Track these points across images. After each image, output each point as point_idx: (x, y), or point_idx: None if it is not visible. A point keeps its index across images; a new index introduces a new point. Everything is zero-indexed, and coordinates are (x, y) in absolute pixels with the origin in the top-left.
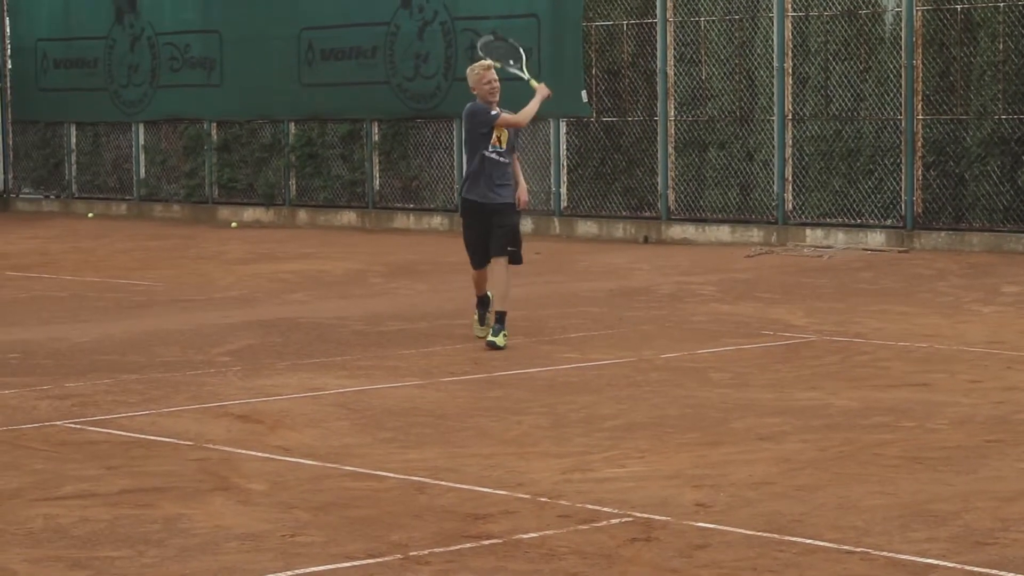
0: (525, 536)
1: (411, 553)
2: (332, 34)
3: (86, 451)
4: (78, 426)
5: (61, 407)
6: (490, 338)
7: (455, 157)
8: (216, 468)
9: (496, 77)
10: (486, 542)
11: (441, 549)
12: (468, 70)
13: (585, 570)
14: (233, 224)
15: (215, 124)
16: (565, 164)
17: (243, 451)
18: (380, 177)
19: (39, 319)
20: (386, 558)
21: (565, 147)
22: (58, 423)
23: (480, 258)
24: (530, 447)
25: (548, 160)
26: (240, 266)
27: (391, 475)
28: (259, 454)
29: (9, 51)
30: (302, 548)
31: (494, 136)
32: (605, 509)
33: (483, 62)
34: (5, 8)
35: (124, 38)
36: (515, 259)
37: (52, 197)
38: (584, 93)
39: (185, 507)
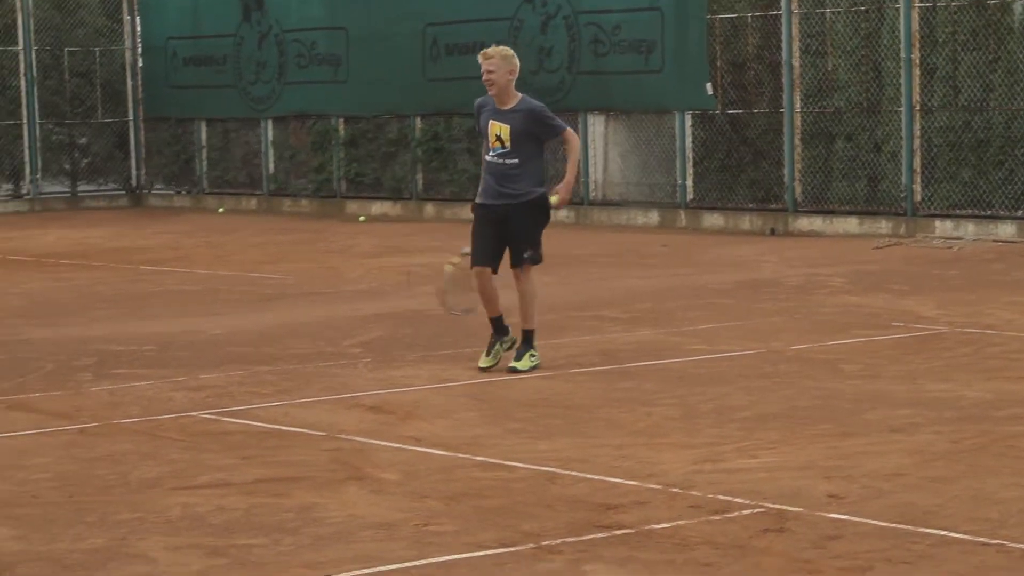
0: (657, 526)
1: (543, 543)
2: (455, 29)
3: (221, 441)
4: (213, 417)
5: (196, 398)
6: (512, 363)
7: (585, 148)
8: (349, 458)
9: (491, 67)
10: (618, 532)
11: (573, 539)
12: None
13: (717, 560)
14: (361, 218)
15: (342, 120)
16: (691, 157)
17: (375, 441)
18: None
19: (173, 312)
20: (518, 547)
21: (691, 140)
22: (194, 414)
23: (480, 256)
24: (661, 438)
25: (674, 153)
26: (369, 259)
27: (522, 465)
28: (391, 444)
29: (140, 50)
30: (435, 537)
31: (491, 136)
32: (737, 500)
33: (485, 50)
34: (136, 7)
35: (252, 36)
36: (533, 261)
37: (183, 193)
38: (708, 86)
39: (319, 496)
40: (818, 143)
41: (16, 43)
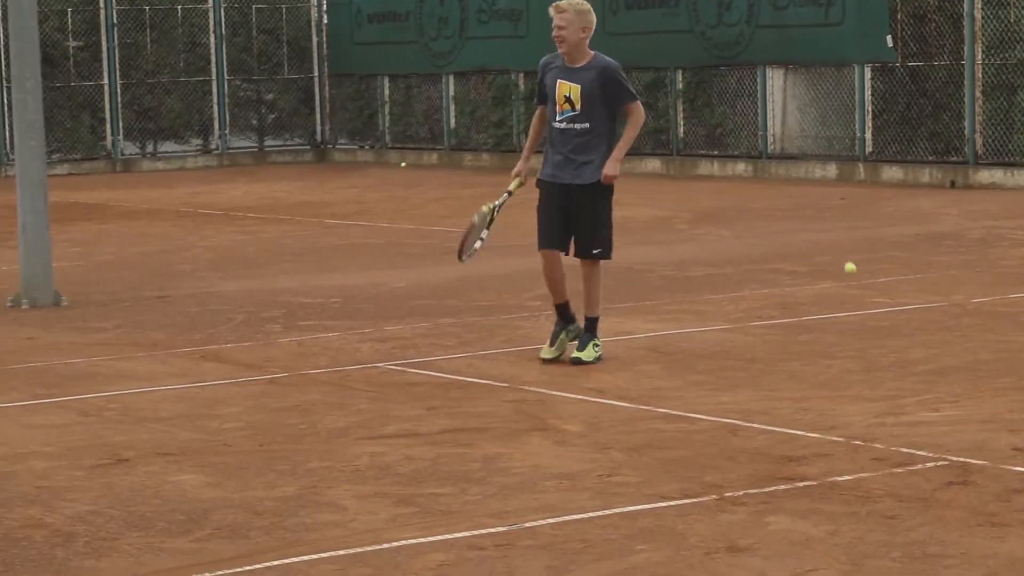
0: (839, 479)
1: (726, 494)
2: None
3: (407, 392)
4: (399, 368)
5: (382, 349)
6: (576, 353)
7: (759, 104)
8: (532, 409)
9: (563, 22)
10: (800, 484)
11: (755, 490)
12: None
13: (901, 513)
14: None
15: (522, 74)
16: (870, 110)
17: (557, 393)
18: (684, 124)
19: (358, 265)
20: (701, 498)
21: (870, 92)
22: (380, 365)
23: (548, 237)
24: (842, 390)
25: (852, 106)
26: None
27: (703, 417)
28: (573, 396)
29: (325, 7)
30: (618, 488)
31: (559, 97)
32: (920, 452)
33: (558, 2)
34: None
35: None
36: (602, 256)
37: (366, 147)
38: (889, 38)
39: (504, 447)
40: (999, 95)
41: (205, 1)
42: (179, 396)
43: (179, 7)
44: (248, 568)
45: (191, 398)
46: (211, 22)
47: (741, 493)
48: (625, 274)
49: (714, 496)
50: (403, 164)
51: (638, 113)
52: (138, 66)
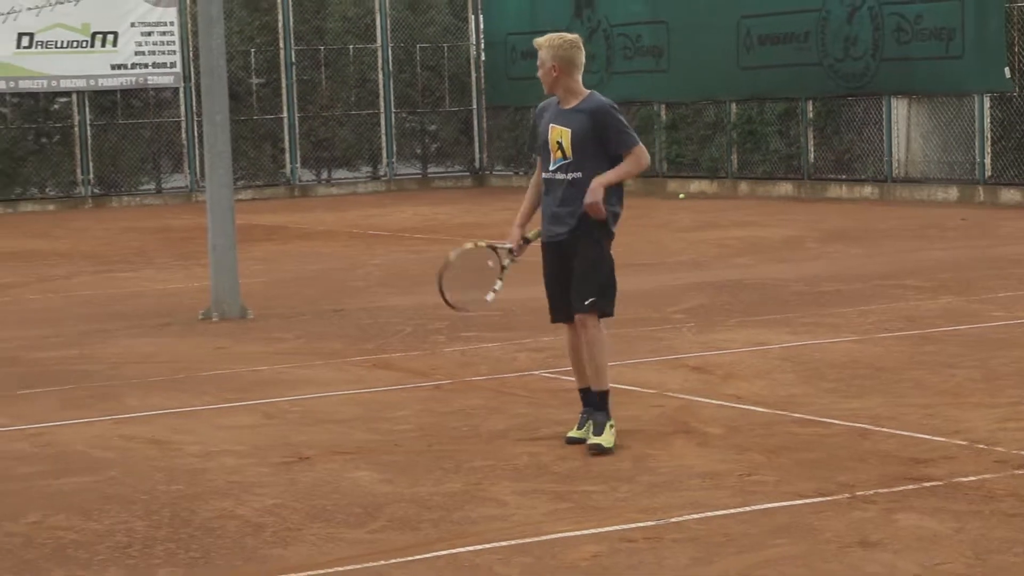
0: (964, 479)
1: (857, 493)
2: (768, 21)
3: (560, 397)
4: (553, 375)
5: (538, 358)
6: (592, 439)
7: (885, 131)
8: (676, 414)
9: (544, 58)
10: (927, 484)
11: (885, 490)
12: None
13: (1022, 511)
14: (680, 196)
15: (664, 105)
16: (989, 136)
17: (699, 399)
18: (814, 150)
19: (515, 281)
20: (835, 497)
21: (989, 120)
22: (535, 372)
23: (556, 309)
24: (965, 398)
25: (972, 132)
26: (688, 233)
27: (836, 422)
28: (714, 401)
29: (482, 45)
30: (757, 487)
31: (551, 144)
32: None
33: (561, 36)
34: (480, 6)
35: (582, 30)
36: (601, 310)
37: (521, 173)
38: (1007, 70)
39: (651, 448)
40: None
41: (374, 41)
42: (354, 400)
43: (351, 47)
44: (419, 557)
45: (365, 402)
46: (379, 60)
47: (872, 492)
48: (760, 289)
49: (846, 495)
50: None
51: (639, 155)
52: (314, 101)
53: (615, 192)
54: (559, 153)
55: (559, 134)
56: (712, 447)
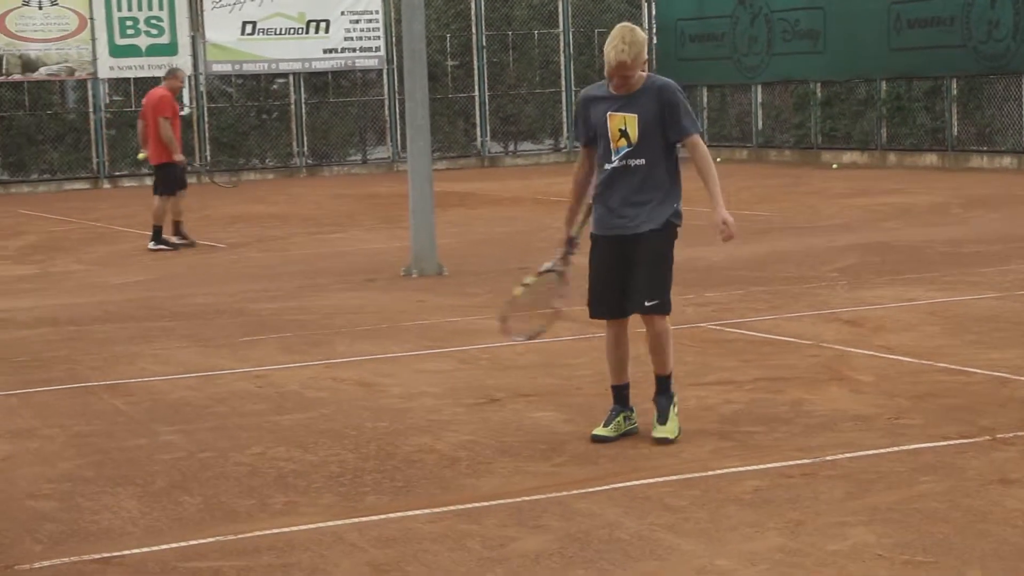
0: None
1: (998, 435)
2: (916, 6)
3: (725, 347)
4: (717, 327)
5: (703, 312)
6: (659, 431)
7: (1022, 107)
8: (830, 363)
9: (624, 47)
10: None
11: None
12: (612, 35)
13: None
14: (834, 166)
15: (819, 84)
16: None
17: (852, 349)
18: (957, 124)
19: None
20: (976, 439)
21: None
22: (701, 325)
23: (604, 305)
24: None
25: None
26: (841, 199)
27: (978, 371)
28: (865, 352)
29: (655, 30)
30: (904, 429)
31: (612, 132)
32: None
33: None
34: None
35: (746, 16)
36: (661, 310)
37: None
38: None
39: (807, 393)
40: None
41: (557, 26)
42: (537, 349)
43: (536, 32)
44: (597, 489)
45: (548, 351)
46: (561, 44)
47: (1011, 435)
48: (907, 251)
49: (987, 437)
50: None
51: (703, 149)
52: (502, 80)
53: (678, 190)
54: (622, 141)
55: (622, 121)
56: (863, 393)
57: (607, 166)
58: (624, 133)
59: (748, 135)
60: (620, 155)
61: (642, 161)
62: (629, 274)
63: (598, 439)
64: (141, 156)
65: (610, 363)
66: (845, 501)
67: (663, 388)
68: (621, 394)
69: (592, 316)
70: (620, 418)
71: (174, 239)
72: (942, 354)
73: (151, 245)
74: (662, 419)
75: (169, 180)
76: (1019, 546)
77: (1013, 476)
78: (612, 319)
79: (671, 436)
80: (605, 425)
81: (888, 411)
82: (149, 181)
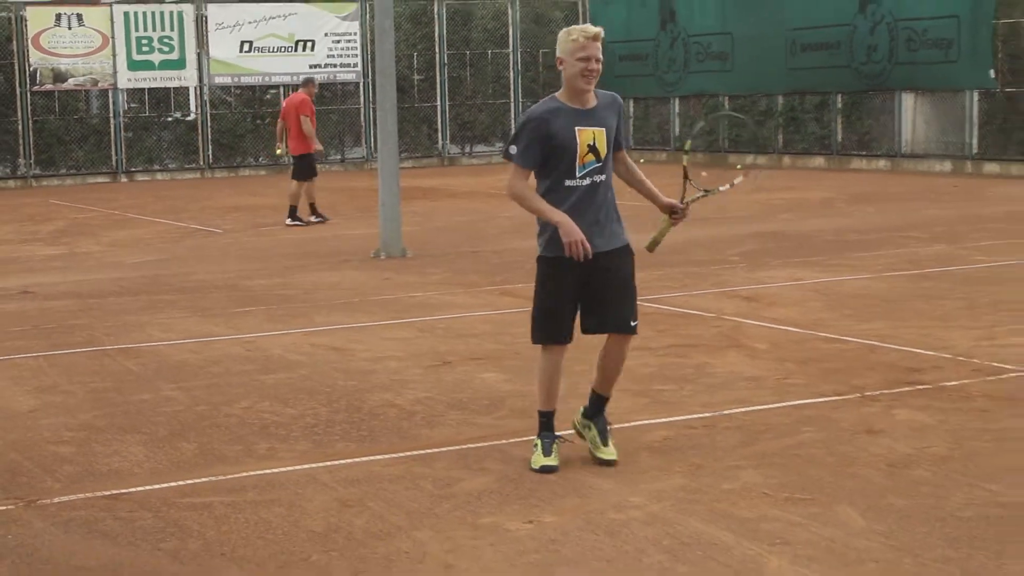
0: (948, 384)
1: (866, 393)
2: (809, 33)
3: (643, 319)
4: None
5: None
6: (607, 454)
7: (896, 118)
8: (730, 332)
9: (597, 52)
10: (920, 387)
11: (887, 391)
12: (563, 33)
13: (992, 408)
14: (739, 166)
15: (727, 97)
16: (976, 121)
17: (748, 321)
18: (842, 132)
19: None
20: (849, 396)
21: (977, 110)
22: None
23: (562, 330)
24: (951, 322)
25: (964, 119)
26: (744, 195)
27: (852, 339)
28: (759, 323)
29: None
30: (790, 388)
31: (581, 149)
32: (1007, 366)
33: (586, 28)
34: (589, 20)
35: (666, 39)
36: (636, 330)
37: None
38: (992, 72)
39: (710, 358)
40: None
41: (507, 47)
42: (485, 319)
43: (489, 51)
44: (532, 438)
45: (494, 321)
46: (510, 62)
47: (878, 393)
48: (798, 238)
49: (858, 394)
50: (642, 160)
51: (627, 156)
52: (460, 92)
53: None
54: (590, 156)
55: (591, 135)
56: (757, 358)
57: (568, 183)
58: (593, 148)
59: (667, 140)
60: (586, 171)
61: (604, 176)
62: (590, 293)
63: (547, 469)
64: (279, 152)
65: (549, 388)
66: (738, 448)
67: (603, 409)
68: (551, 420)
69: (548, 342)
70: (555, 444)
71: (312, 218)
72: (823, 325)
73: (288, 221)
74: (606, 440)
75: (307, 168)
76: (881, 485)
77: (877, 427)
78: (564, 344)
79: (616, 456)
80: (546, 454)
81: (777, 373)
82: (161, 176)
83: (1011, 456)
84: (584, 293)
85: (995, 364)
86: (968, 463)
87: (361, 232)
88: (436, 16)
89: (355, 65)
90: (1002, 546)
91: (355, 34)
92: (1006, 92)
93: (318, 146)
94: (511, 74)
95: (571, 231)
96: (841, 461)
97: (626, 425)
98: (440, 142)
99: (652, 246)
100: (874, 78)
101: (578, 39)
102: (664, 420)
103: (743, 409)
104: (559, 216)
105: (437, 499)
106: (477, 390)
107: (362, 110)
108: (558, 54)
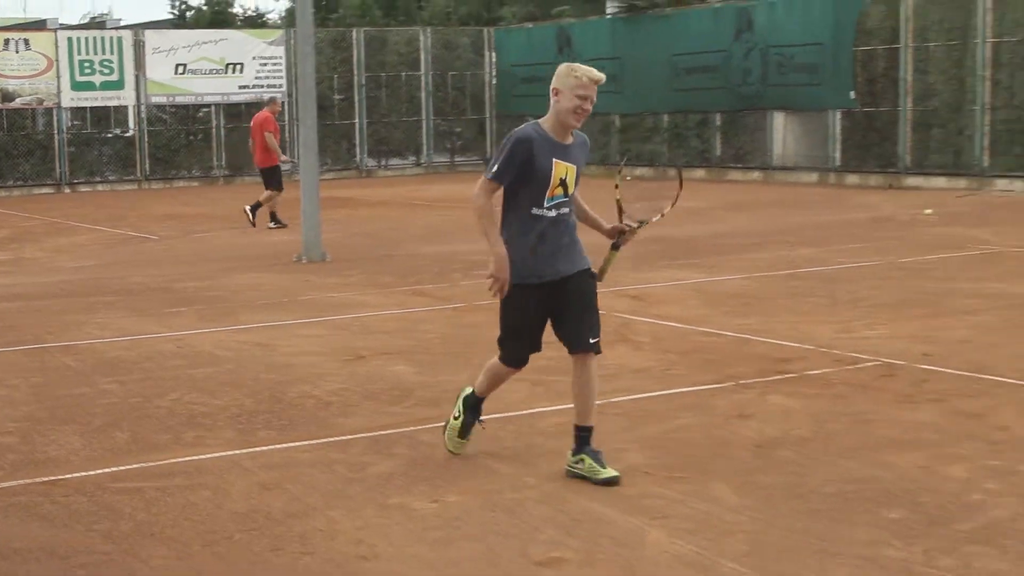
0: (812, 372)
1: (741, 381)
2: (690, 58)
3: None
4: None
5: None
6: (603, 475)
7: (768, 134)
8: (619, 328)
9: (595, 98)
10: (788, 375)
11: (760, 379)
12: (566, 67)
13: (850, 394)
14: (628, 178)
15: (618, 116)
16: (839, 138)
17: (635, 317)
18: (720, 147)
19: None
20: (724, 384)
21: (839, 127)
22: None
23: (530, 350)
24: (815, 316)
25: (827, 135)
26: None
27: (728, 333)
28: (645, 319)
29: (495, 72)
30: (672, 377)
31: (554, 181)
32: (863, 356)
33: (593, 73)
34: (493, 47)
35: (563, 62)
36: (599, 348)
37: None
38: (852, 93)
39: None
40: (921, 129)
41: (420, 70)
42: (397, 318)
43: (403, 73)
44: (438, 425)
45: (405, 319)
46: (422, 83)
47: (751, 381)
48: (683, 243)
49: (732, 383)
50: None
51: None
52: (377, 110)
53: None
54: (559, 190)
55: (564, 170)
56: (642, 351)
57: (535, 211)
58: (563, 182)
59: None
60: (553, 203)
61: (567, 210)
62: (555, 313)
63: (456, 451)
64: (283, 160)
65: (492, 384)
66: (623, 432)
67: (588, 441)
68: (479, 405)
69: (517, 365)
70: (477, 424)
71: (270, 224)
72: (702, 320)
73: (270, 225)
74: (602, 463)
75: (275, 179)
76: (751, 464)
77: (749, 412)
78: (520, 368)
79: (617, 473)
80: (462, 436)
81: (661, 364)
82: (101, 187)
83: (864, 437)
84: (551, 313)
85: (852, 354)
86: (828, 443)
87: (285, 238)
88: (354, 41)
89: (281, 86)
90: (856, 515)
91: (280, 58)
92: (864, 111)
93: (284, 157)
94: (423, 94)
95: (501, 269)
96: (716, 443)
97: (523, 413)
98: (358, 156)
99: (600, 275)
100: (749, 99)
101: (582, 78)
102: (557, 408)
103: (629, 397)
104: (499, 249)
105: (350, 482)
106: (388, 382)
107: (287, 127)
108: (554, 85)
